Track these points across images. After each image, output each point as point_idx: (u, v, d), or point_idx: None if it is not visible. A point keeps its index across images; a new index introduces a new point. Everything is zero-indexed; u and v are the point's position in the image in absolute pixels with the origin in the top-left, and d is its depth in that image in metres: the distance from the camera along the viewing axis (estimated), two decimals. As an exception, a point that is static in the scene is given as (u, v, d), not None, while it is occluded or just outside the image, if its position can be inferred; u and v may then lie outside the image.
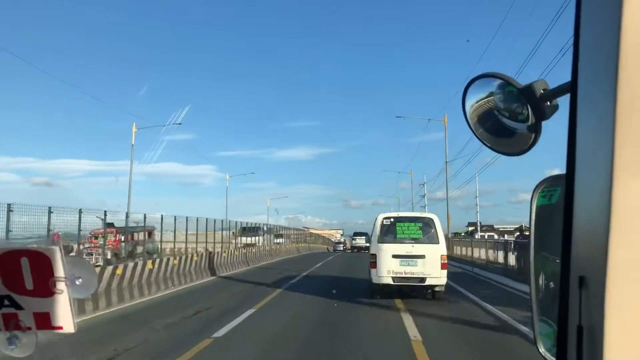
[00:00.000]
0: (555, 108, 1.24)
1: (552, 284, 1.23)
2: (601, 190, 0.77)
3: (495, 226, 76.51)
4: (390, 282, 12.77)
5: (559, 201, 1.19)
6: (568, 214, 0.88)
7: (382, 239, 13.03)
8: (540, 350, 1.22)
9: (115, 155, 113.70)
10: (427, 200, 54.74)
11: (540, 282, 1.28)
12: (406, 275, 12.69)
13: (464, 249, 33.13)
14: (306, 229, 77.47)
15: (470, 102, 1.43)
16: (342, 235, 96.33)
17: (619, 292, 0.76)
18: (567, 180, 0.89)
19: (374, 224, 13.63)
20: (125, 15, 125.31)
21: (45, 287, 1.30)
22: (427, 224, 13.18)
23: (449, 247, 30.53)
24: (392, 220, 13.27)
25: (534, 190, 1.27)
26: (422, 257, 12.66)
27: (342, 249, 57.57)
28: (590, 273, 0.82)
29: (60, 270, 1.30)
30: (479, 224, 45.14)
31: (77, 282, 1.33)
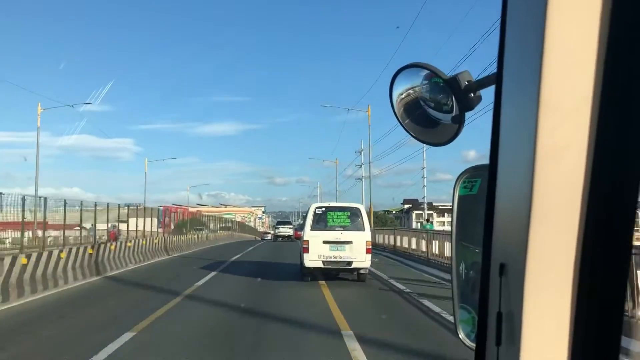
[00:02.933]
0: (479, 99, 1.25)
1: (472, 273, 1.26)
2: (522, 181, 0.78)
3: (434, 204, 74.12)
4: (321, 265, 14.09)
5: (480, 192, 1.21)
6: (490, 202, 0.89)
7: (314, 227, 14.34)
8: (460, 336, 1.25)
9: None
10: (367, 169, 40.86)
11: (461, 270, 1.31)
12: (335, 259, 14.07)
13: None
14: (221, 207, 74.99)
15: (398, 92, 1.43)
16: (264, 212, 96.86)
17: (537, 279, 0.79)
18: (490, 170, 0.90)
19: (307, 213, 15.12)
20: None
21: None
22: (355, 213, 14.59)
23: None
24: (323, 209, 14.70)
25: (456, 181, 1.29)
26: (350, 242, 14.02)
27: (269, 237, 60.35)
28: (510, 260, 0.83)
29: None
30: (425, 202, 44.29)
31: None
